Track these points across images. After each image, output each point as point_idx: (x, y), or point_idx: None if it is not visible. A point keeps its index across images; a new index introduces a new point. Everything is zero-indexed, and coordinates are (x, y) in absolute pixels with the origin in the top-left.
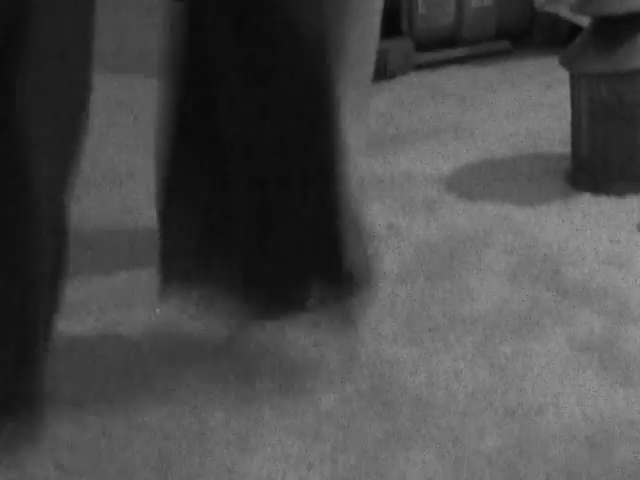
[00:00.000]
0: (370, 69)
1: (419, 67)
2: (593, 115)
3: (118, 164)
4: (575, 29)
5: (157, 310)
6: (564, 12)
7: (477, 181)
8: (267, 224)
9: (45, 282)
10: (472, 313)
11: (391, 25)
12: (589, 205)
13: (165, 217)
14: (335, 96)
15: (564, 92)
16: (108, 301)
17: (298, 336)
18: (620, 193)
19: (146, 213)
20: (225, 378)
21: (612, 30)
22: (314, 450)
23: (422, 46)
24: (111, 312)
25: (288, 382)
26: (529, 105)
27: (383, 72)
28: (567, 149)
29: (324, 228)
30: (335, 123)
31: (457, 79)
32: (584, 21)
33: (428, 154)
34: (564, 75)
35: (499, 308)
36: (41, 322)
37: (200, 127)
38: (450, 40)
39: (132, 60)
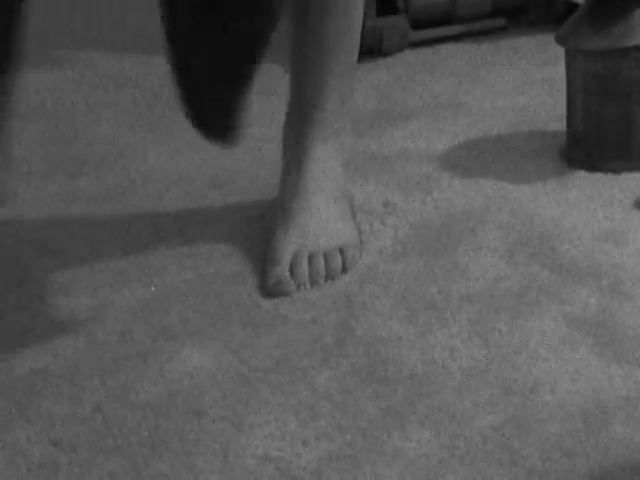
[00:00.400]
0: (354, 58)
1: (415, 45)
2: (588, 92)
3: (114, 143)
4: (571, 6)
5: (152, 288)
6: None
7: (473, 158)
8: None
9: None
10: (468, 290)
11: (387, 3)
12: (584, 182)
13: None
14: None
15: (559, 69)
16: (102, 280)
17: (293, 313)
18: (616, 170)
19: (141, 192)
20: (220, 356)
21: (608, 7)
22: (310, 427)
23: (418, 24)
24: (105, 290)
25: (284, 360)
26: (524, 82)
27: (378, 50)
28: (562, 126)
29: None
30: None
31: (453, 57)
32: None
33: (424, 131)
34: (559, 52)
35: (495, 285)
36: None
37: None
38: (446, 18)
39: (132, 38)
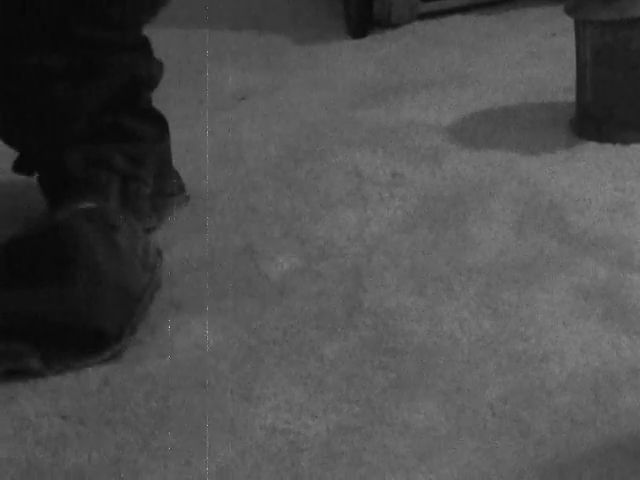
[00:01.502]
0: None
1: (423, 16)
2: (598, 63)
3: None
4: None
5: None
6: None
7: (481, 130)
8: None
9: None
10: (476, 262)
11: None
12: (594, 153)
13: None
14: None
15: (569, 40)
16: None
17: (301, 285)
18: (625, 141)
19: None
20: (228, 328)
21: None
22: (318, 399)
23: None
24: None
25: (291, 331)
26: (533, 53)
27: (387, 21)
28: (572, 97)
29: None
30: None
31: (461, 28)
32: None
33: (432, 103)
34: (569, 23)
35: (503, 257)
36: None
37: None
38: None
39: None
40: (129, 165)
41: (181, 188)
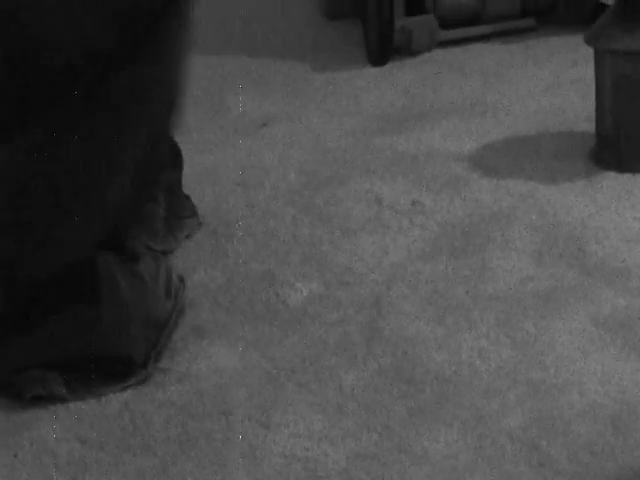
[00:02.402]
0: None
1: (443, 44)
2: (618, 93)
3: None
4: (600, 7)
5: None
6: None
7: (501, 158)
8: None
9: None
10: (495, 291)
11: (415, 3)
12: (613, 183)
13: None
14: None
15: (589, 70)
16: None
17: (320, 312)
18: None
19: None
20: (248, 354)
21: (638, 7)
22: (337, 427)
23: (446, 23)
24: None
25: (310, 359)
26: (554, 83)
27: (407, 49)
28: (591, 127)
29: None
30: None
31: (481, 57)
32: None
33: (452, 131)
34: (589, 53)
35: (522, 286)
36: None
37: None
38: (474, 17)
39: None
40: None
41: (194, 211)
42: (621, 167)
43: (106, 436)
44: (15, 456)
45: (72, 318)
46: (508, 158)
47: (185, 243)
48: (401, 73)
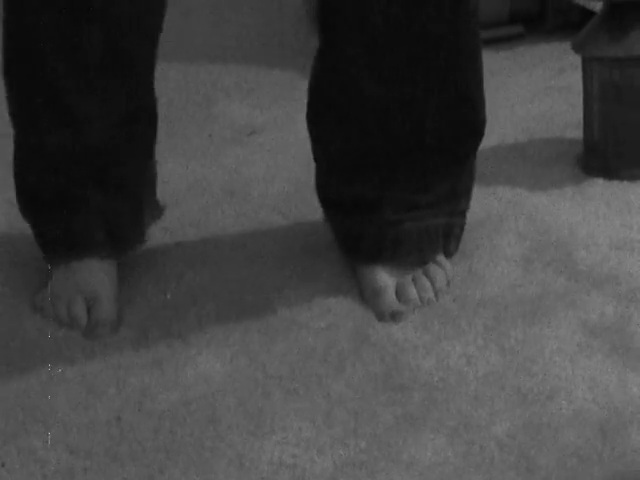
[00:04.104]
0: None
1: None
2: (605, 100)
3: None
4: (588, 14)
5: (167, 295)
6: None
7: (489, 165)
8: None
9: None
10: (483, 297)
11: None
12: (601, 190)
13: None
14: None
15: (576, 77)
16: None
17: (309, 319)
18: (632, 178)
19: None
20: (236, 362)
21: (624, 14)
22: (325, 434)
23: None
24: (120, 296)
25: (298, 366)
26: (541, 90)
27: None
28: (579, 134)
29: None
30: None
31: None
32: (596, 6)
33: None
34: (576, 60)
35: (511, 292)
36: None
37: None
38: None
39: None
40: None
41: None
42: (609, 174)
43: (94, 445)
44: (3, 465)
45: None
46: (496, 165)
47: (173, 251)
48: None
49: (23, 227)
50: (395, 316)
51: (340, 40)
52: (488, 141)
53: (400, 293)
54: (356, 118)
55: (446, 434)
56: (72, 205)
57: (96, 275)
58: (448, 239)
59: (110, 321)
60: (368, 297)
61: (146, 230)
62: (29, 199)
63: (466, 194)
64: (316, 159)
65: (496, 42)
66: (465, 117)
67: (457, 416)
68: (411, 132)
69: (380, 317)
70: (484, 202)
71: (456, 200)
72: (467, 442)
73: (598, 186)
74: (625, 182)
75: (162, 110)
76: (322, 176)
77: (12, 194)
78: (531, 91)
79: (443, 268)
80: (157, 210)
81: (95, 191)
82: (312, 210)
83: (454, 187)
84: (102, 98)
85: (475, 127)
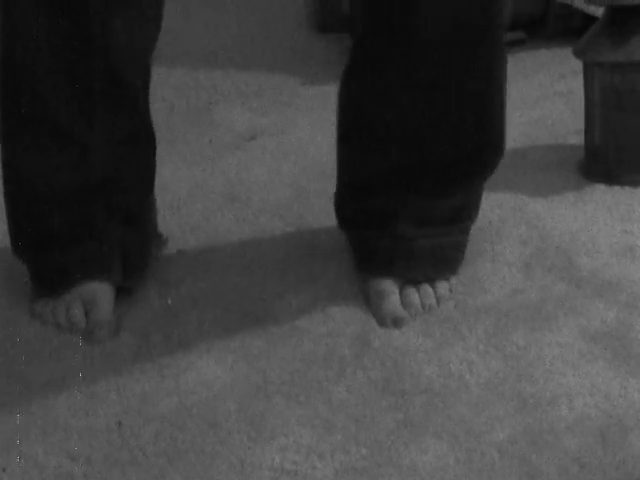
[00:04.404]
0: None
1: None
2: (606, 105)
3: None
4: (589, 19)
5: (168, 300)
6: (578, 2)
7: None
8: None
9: None
10: (484, 303)
11: None
12: (602, 196)
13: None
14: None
15: (578, 82)
16: (118, 291)
17: (309, 325)
18: (634, 183)
19: (157, 204)
20: (236, 367)
21: (626, 20)
22: (326, 440)
23: None
24: (121, 302)
25: (299, 372)
26: (542, 95)
27: None
28: (580, 139)
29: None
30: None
31: None
32: (598, 11)
33: None
34: (578, 65)
35: (512, 298)
36: None
37: None
38: None
39: None
40: None
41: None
42: (610, 180)
43: (94, 450)
44: (4, 470)
45: None
46: (497, 171)
47: (173, 256)
48: None
49: None
50: (397, 322)
51: (379, 54)
52: None
53: (403, 299)
54: (387, 134)
55: (447, 440)
56: (84, 234)
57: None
58: (462, 254)
59: (108, 324)
60: (371, 301)
61: (151, 260)
62: (33, 232)
63: (476, 209)
64: (340, 174)
65: None
66: (489, 138)
67: (458, 422)
68: (436, 149)
69: (382, 321)
70: (485, 208)
71: (467, 216)
72: (468, 448)
73: (599, 192)
74: (626, 188)
75: (163, 115)
76: (342, 191)
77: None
78: (532, 96)
79: (448, 279)
80: (161, 241)
81: (104, 220)
82: (313, 215)
83: (466, 204)
84: (104, 124)
85: (497, 149)
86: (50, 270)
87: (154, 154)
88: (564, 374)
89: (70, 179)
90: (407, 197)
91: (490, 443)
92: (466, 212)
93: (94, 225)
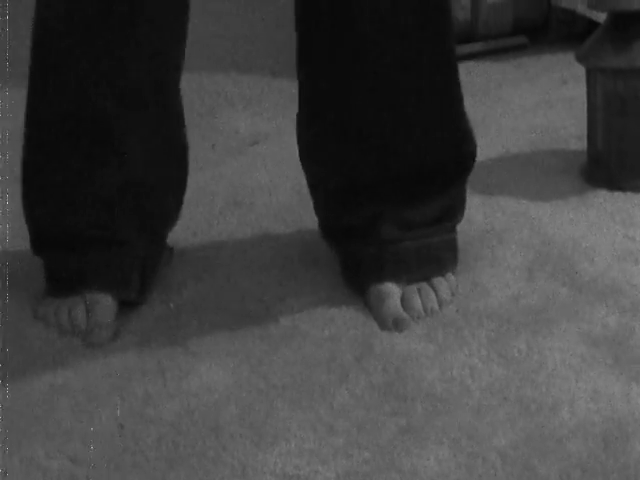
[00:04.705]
0: None
1: None
2: (609, 111)
3: None
4: (591, 25)
5: (171, 304)
6: (580, 8)
7: (493, 177)
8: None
9: None
10: (486, 308)
11: None
12: (605, 201)
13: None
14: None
15: (580, 88)
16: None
17: (312, 329)
18: (636, 189)
19: None
20: (238, 371)
21: (628, 26)
22: (328, 445)
23: None
24: (123, 306)
25: (301, 376)
26: (545, 101)
27: None
28: (583, 145)
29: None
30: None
31: (473, 74)
32: (600, 17)
33: None
34: (580, 71)
35: (514, 303)
36: None
37: None
38: (466, 35)
39: None
40: None
41: None
42: (612, 185)
43: (97, 454)
44: (5, 474)
45: None
46: (499, 176)
47: (176, 260)
48: None
49: (25, 240)
50: (398, 323)
51: (327, 71)
52: (491, 152)
53: (404, 302)
54: (352, 145)
55: (449, 445)
56: (109, 239)
57: None
58: (454, 254)
59: (107, 325)
60: (372, 303)
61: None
62: (57, 231)
63: (461, 208)
64: (312, 192)
65: (500, 53)
66: (458, 144)
67: (460, 427)
68: (403, 159)
69: (383, 323)
70: (487, 213)
71: (453, 215)
72: (470, 453)
73: (601, 197)
74: (629, 193)
75: None
76: (319, 207)
77: (13, 207)
78: (535, 102)
79: (447, 280)
80: (170, 254)
81: (132, 228)
82: (315, 220)
83: (450, 205)
84: (144, 132)
85: (466, 154)
86: (68, 271)
87: (187, 164)
88: (566, 379)
89: (105, 181)
90: (387, 205)
91: (492, 448)
92: (451, 211)
93: (121, 231)
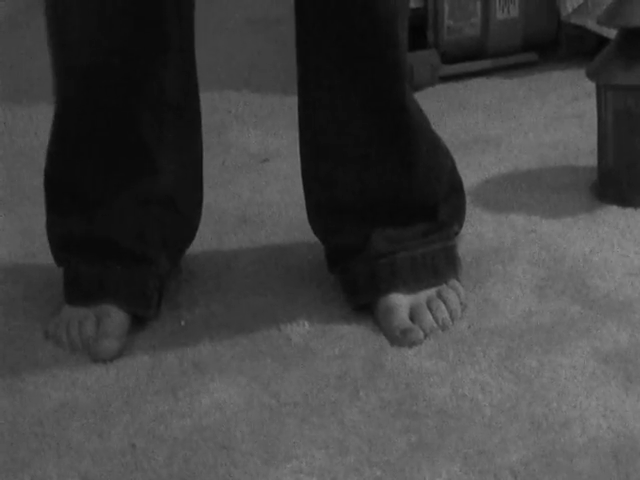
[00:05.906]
0: None
1: (445, 79)
2: (619, 127)
3: None
4: (602, 41)
5: (182, 322)
6: (591, 24)
7: (503, 193)
8: None
9: None
10: (497, 325)
11: (417, 37)
12: (615, 217)
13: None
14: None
15: (590, 104)
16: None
17: (322, 347)
18: None
19: None
20: (250, 389)
21: (639, 42)
22: (339, 462)
23: (448, 58)
24: (135, 323)
25: (312, 393)
26: (555, 117)
27: (409, 84)
28: (593, 161)
29: None
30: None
31: (483, 91)
32: (611, 33)
33: None
34: (590, 87)
35: (525, 320)
36: None
37: None
38: (476, 52)
39: None
40: None
41: None
42: (623, 201)
43: (108, 472)
44: None
45: None
46: (510, 192)
47: (186, 277)
48: None
49: (35, 258)
50: (406, 333)
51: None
52: (502, 168)
53: (414, 314)
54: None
55: (460, 462)
56: (135, 254)
57: None
58: (453, 261)
59: (115, 336)
60: (379, 317)
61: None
62: (83, 240)
63: (458, 217)
64: (307, 198)
65: (510, 70)
66: (433, 178)
67: (471, 444)
68: (379, 192)
69: (391, 336)
70: (498, 230)
71: (449, 224)
72: (481, 470)
73: (612, 213)
74: (639, 210)
75: None
76: (315, 231)
77: (28, 225)
78: (545, 118)
79: (456, 290)
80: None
81: (159, 246)
82: None
83: (442, 220)
84: (175, 147)
85: (442, 184)
86: (89, 279)
87: (202, 182)
88: (577, 396)
89: (136, 193)
90: (375, 227)
91: (503, 465)
92: (444, 226)
93: (148, 249)
